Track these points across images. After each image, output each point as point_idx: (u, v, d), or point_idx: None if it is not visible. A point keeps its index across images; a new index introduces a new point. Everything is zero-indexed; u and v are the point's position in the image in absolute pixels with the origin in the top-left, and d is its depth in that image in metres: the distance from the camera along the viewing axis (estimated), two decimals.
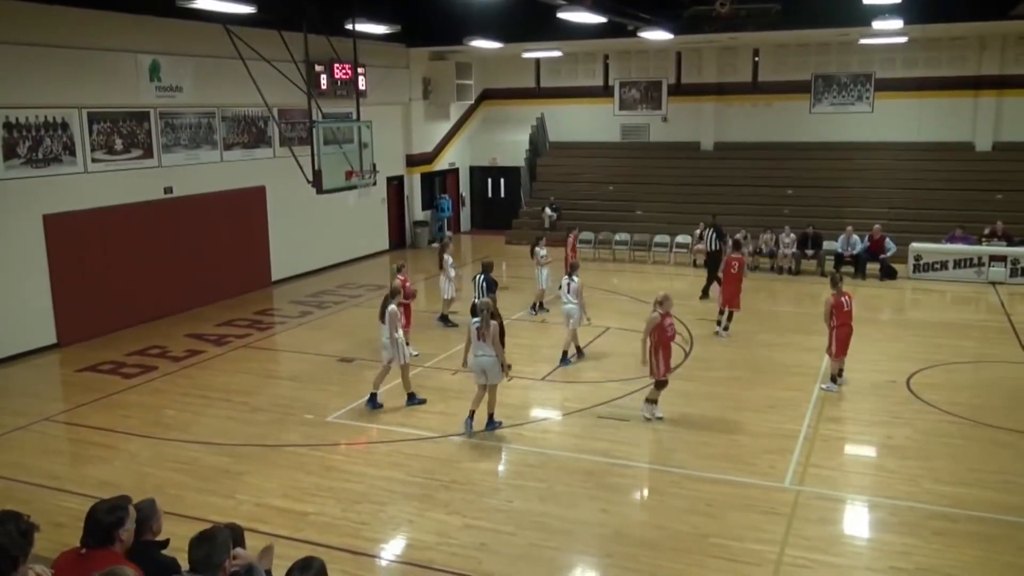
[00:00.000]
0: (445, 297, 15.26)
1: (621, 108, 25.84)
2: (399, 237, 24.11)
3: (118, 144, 15.01)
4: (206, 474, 9.12)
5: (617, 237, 22.08)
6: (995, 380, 12.13)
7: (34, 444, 10.15)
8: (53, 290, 14.02)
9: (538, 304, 15.96)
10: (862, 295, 17.05)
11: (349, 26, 15.55)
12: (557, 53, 24.02)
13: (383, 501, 8.43)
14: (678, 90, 25.15)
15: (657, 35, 17.76)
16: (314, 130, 14.45)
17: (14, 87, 13.15)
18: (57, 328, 14.13)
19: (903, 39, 20.51)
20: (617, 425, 10.38)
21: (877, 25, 16.37)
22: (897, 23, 16.26)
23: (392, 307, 10.89)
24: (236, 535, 4.75)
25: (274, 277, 19.00)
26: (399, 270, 13.13)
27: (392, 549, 7.67)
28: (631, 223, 22.75)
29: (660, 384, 10.40)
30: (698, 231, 19.83)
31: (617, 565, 7.24)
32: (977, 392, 11.56)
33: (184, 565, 4.34)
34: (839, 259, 19.12)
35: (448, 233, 23.35)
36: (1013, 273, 18.19)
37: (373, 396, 11.02)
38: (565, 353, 12.92)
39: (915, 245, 19.08)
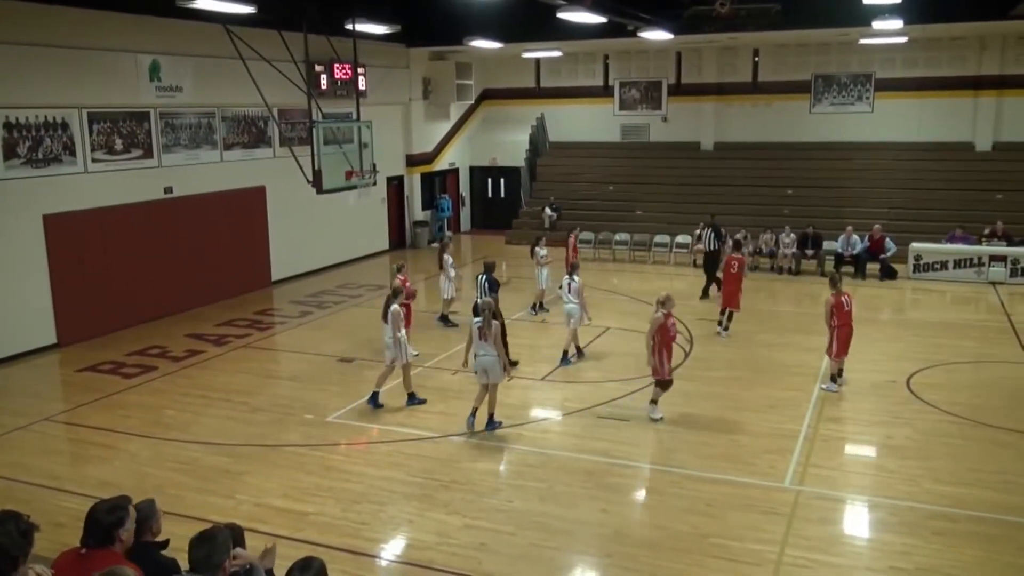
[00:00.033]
0: (445, 297, 15.26)
1: (621, 108, 25.84)
2: (399, 237, 24.11)
3: (118, 144, 15.01)
4: (206, 474, 9.12)
5: (617, 237, 22.08)
6: (995, 380, 12.13)
7: (34, 444, 10.15)
8: (53, 290, 14.02)
9: (538, 304, 15.97)
10: (862, 295, 17.05)
11: (349, 26, 15.55)
12: (557, 53, 24.02)
13: (383, 501, 8.43)
14: (678, 90, 25.16)
15: (657, 35, 17.76)
16: (314, 130, 14.46)
17: (14, 87, 13.15)
18: (57, 328, 14.13)
19: (903, 39, 20.52)
20: (617, 425, 10.38)
21: (877, 25, 16.37)
22: (897, 23, 16.26)
23: (395, 307, 10.91)
24: (236, 535, 4.74)
25: (274, 277, 19.00)
26: (399, 270, 13.13)
27: (392, 549, 7.67)
28: (631, 223, 22.75)
29: (665, 384, 10.40)
30: (698, 231, 19.83)
31: (617, 565, 7.24)
32: (977, 392, 11.56)
33: (184, 565, 4.34)
34: (839, 259, 19.12)
35: (448, 233, 23.35)
36: (1013, 273, 18.19)
37: (375, 394, 11.03)
38: (565, 353, 12.93)
39: (915, 245, 19.08)
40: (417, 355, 12.69)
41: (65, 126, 14.03)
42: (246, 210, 18.01)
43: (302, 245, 19.59)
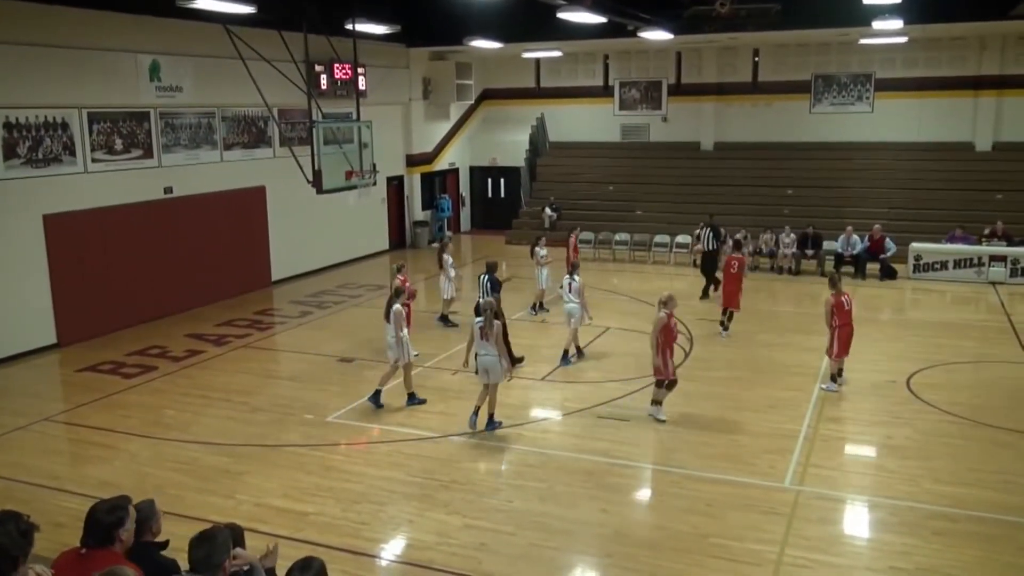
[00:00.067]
0: (445, 297, 15.26)
1: (621, 108, 25.84)
2: (399, 237, 24.11)
3: (118, 144, 15.01)
4: (206, 474, 9.12)
5: (617, 237, 22.08)
6: (995, 380, 12.13)
7: (34, 444, 10.15)
8: (53, 290, 14.02)
9: (538, 304, 15.97)
10: (862, 295, 17.05)
11: (349, 26, 15.55)
12: (557, 53, 24.02)
13: (383, 501, 8.43)
14: (678, 90, 25.16)
15: (657, 35, 17.76)
16: (314, 130, 14.45)
17: (14, 87, 13.15)
18: (57, 328, 14.13)
19: (903, 39, 20.51)
20: (617, 425, 10.38)
21: (877, 25, 16.37)
22: (897, 23, 16.26)
23: (397, 306, 10.94)
24: (236, 535, 4.74)
25: (274, 277, 19.00)
26: (399, 270, 13.14)
27: (392, 549, 7.67)
28: (631, 223, 22.75)
29: (670, 384, 10.40)
30: (697, 231, 19.83)
31: (617, 565, 7.24)
32: (977, 392, 11.56)
33: (184, 565, 4.34)
34: (839, 259, 19.13)
35: (448, 233, 23.36)
36: (1013, 273, 18.19)
37: (377, 393, 11.03)
38: (566, 352, 12.93)
39: (915, 245, 19.08)
40: (417, 355, 12.68)
41: (65, 126, 14.03)
42: (246, 210, 18.01)
43: (302, 245, 19.59)
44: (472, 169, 27.27)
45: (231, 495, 8.58)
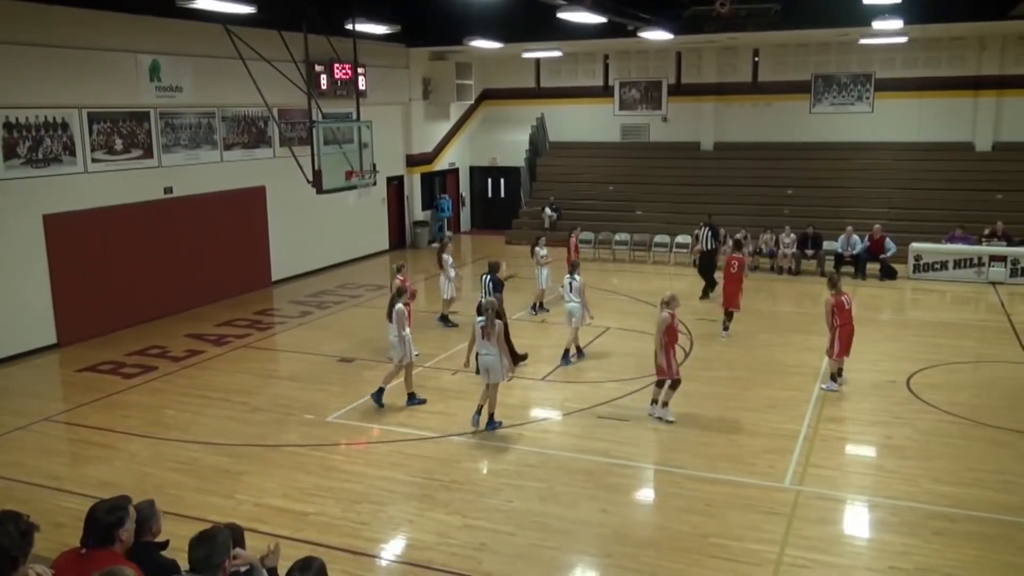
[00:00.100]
0: (445, 297, 15.26)
1: (621, 108, 25.84)
2: (399, 237, 24.11)
3: (118, 144, 15.01)
4: (206, 474, 9.12)
5: (617, 237, 22.08)
6: (995, 380, 12.13)
7: (34, 444, 10.15)
8: (53, 290, 14.02)
9: (538, 304, 15.97)
10: (862, 295, 17.06)
11: (349, 26, 15.55)
12: (557, 53, 24.02)
13: (383, 501, 8.43)
14: (678, 90, 25.16)
15: (657, 35, 17.76)
16: (314, 130, 14.45)
17: (14, 87, 13.15)
18: (57, 328, 14.13)
19: (903, 39, 20.52)
20: (617, 425, 10.39)
21: (877, 25, 16.37)
22: (897, 23, 16.26)
23: (399, 306, 10.96)
24: (236, 535, 4.75)
25: (274, 277, 19.00)
26: (399, 270, 13.15)
27: (392, 549, 7.67)
28: (631, 223, 22.75)
29: (675, 384, 10.40)
30: (697, 231, 19.82)
31: (617, 565, 7.24)
32: (977, 392, 11.56)
33: (184, 566, 4.34)
34: (839, 259, 19.13)
35: (448, 233, 23.38)
36: (1013, 273, 18.19)
37: (381, 391, 11.04)
38: (567, 352, 12.94)
39: (915, 245, 19.08)
40: (418, 355, 12.67)
41: (65, 126, 14.03)
42: (246, 210, 18.01)
43: (302, 245, 19.59)
44: (472, 169, 27.27)
45: (231, 495, 8.58)
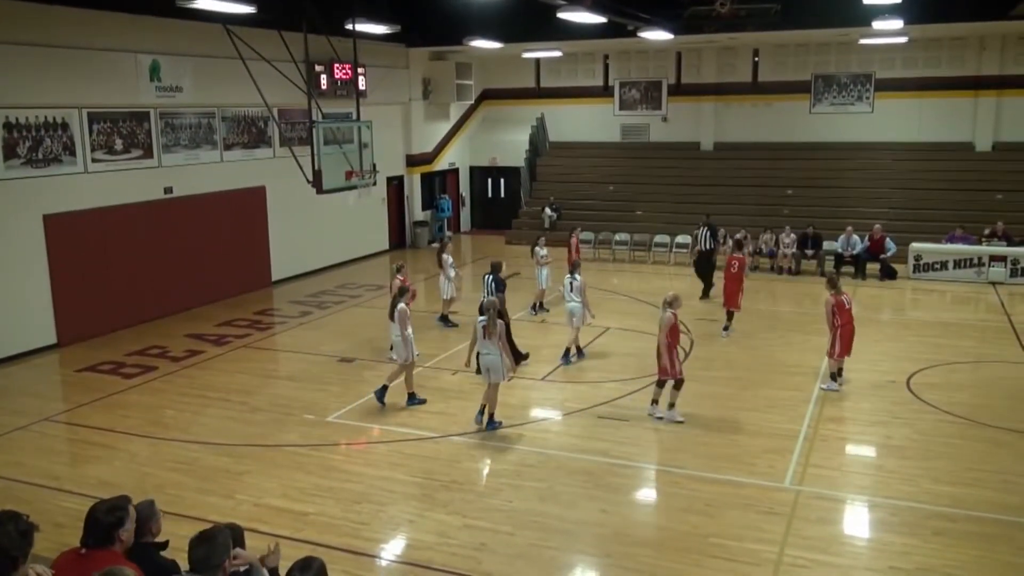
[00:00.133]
0: (444, 297, 15.26)
1: (621, 108, 25.85)
2: (399, 237, 24.11)
3: (118, 144, 15.01)
4: (206, 474, 9.12)
5: (617, 237, 22.08)
6: (995, 380, 12.13)
7: (34, 444, 10.15)
8: (53, 290, 14.02)
9: (538, 304, 15.97)
10: (862, 295, 17.07)
11: (349, 26, 15.54)
12: (557, 53, 24.02)
13: (383, 501, 8.43)
14: (678, 90, 25.16)
15: (657, 35, 17.76)
16: (314, 130, 14.45)
17: (14, 87, 13.15)
18: (57, 328, 14.13)
19: (903, 39, 20.52)
20: (617, 425, 10.39)
21: (877, 25, 16.37)
22: (897, 23, 16.26)
23: (402, 305, 10.98)
24: (236, 535, 4.75)
25: (274, 277, 19.00)
26: (398, 270, 13.15)
27: (392, 549, 7.67)
28: (631, 223, 22.75)
29: (678, 383, 10.40)
30: (696, 232, 19.80)
31: (617, 565, 7.24)
32: (977, 392, 11.56)
33: (184, 566, 4.34)
34: (839, 259, 19.13)
35: (448, 233, 23.38)
36: (1013, 273, 18.19)
37: (384, 388, 11.05)
38: (567, 350, 12.95)
39: (915, 245, 19.08)
40: (418, 355, 12.68)
41: (65, 126, 14.03)
42: (246, 210, 18.02)
43: (302, 245, 19.59)
44: (472, 169, 27.27)
45: (231, 495, 8.58)
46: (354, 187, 15.34)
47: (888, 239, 18.95)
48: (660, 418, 10.44)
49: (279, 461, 9.46)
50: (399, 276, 12.83)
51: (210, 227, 16.97)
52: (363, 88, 18.41)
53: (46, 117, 13.72)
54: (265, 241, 18.69)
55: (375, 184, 16.45)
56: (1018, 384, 11.88)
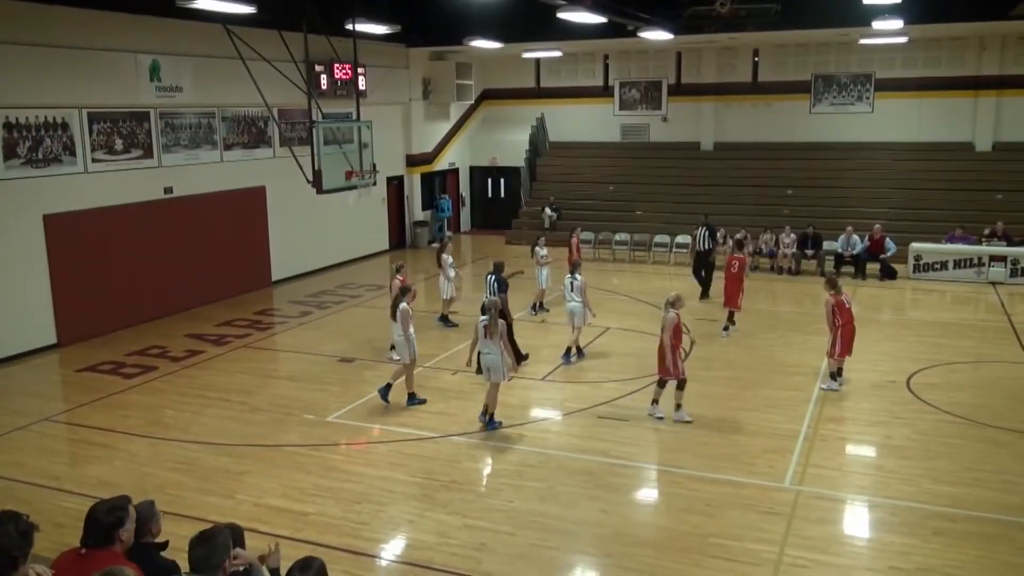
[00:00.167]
0: (444, 297, 15.26)
1: (621, 108, 25.85)
2: (399, 237, 24.11)
3: (118, 144, 15.01)
4: (206, 474, 9.12)
5: (617, 237, 22.08)
6: (995, 380, 12.13)
7: (34, 444, 10.15)
8: (53, 290, 14.02)
9: (538, 304, 15.97)
10: (862, 295, 17.07)
11: (349, 26, 15.55)
12: (557, 53, 24.02)
13: (383, 501, 8.43)
14: (678, 90, 25.16)
15: (657, 35, 17.76)
16: (314, 130, 14.45)
17: (14, 87, 13.15)
18: (57, 328, 14.13)
19: (903, 39, 20.52)
20: (617, 425, 10.39)
21: (877, 25, 16.37)
22: (897, 23, 16.27)
23: (404, 305, 10.98)
24: (236, 535, 4.75)
25: (274, 277, 19.00)
26: (398, 270, 13.15)
27: (392, 549, 7.67)
28: (631, 223, 22.75)
29: (681, 383, 10.40)
30: (695, 232, 19.79)
31: (617, 565, 7.24)
32: (977, 392, 11.56)
33: (184, 566, 4.34)
34: (839, 259, 19.14)
35: (448, 233, 23.38)
36: (1013, 273, 18.19)
37: (388, 386, 11.06)
38: (568, 350, 12.95)
39: (915, 245, 19.08)
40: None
41: (65, 126, 14.03)
42: (246, 210, 18.02)
43: (302, 245, 19.59)
44: (472, 169, 27.27)
45: (231, 495, 8.58)
46: (354, 187, 15.34)
47: (888, 239, 18.95)
48: (660, 418, 10.44)
49: (279, 461, 9.46)
50: (399, 276, 12.84)
51: (210, 227, 16.97)
52: (363, 88, 18.41)
53: (46, 117, 13.72)
54: (265, 241, 18.69)
55: (375, 184, 16.45)
56: (1018, 384, 11.88)
